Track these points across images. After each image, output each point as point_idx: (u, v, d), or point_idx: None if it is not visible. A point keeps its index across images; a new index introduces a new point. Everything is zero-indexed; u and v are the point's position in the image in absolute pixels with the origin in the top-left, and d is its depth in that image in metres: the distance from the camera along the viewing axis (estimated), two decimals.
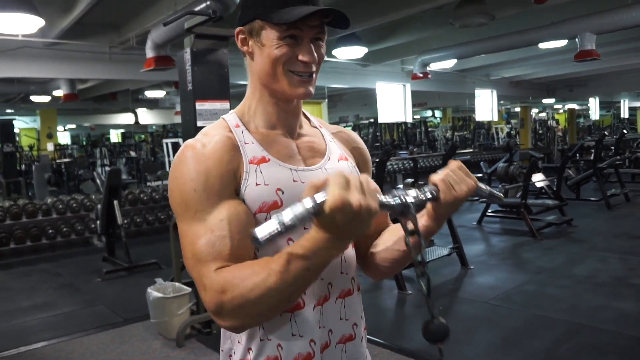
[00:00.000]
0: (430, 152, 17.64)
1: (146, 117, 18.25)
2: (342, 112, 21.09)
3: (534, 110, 23.16)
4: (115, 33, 7.28)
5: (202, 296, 0.96)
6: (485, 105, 13.28)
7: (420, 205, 0.96)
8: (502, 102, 18.68)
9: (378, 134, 20.65)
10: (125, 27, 7.06)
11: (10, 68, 7.26)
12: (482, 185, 1.05)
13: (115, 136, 23.53)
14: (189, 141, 1.05)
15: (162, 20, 5.02)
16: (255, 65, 1.09)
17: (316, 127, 1.22)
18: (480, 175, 11.33)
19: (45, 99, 11.53)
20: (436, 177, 1.00)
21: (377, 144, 19.80)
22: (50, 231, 7.23)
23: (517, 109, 21.65)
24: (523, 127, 18.74)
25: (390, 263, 1.15)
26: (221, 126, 1.10)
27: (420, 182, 7.31)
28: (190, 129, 3.90)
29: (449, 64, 9.91)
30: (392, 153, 5.80)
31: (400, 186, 1.11)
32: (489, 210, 7.93)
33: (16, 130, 17.93)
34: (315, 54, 1.05)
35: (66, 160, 13.73)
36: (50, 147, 14.00)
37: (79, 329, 4.23)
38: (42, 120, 14.76)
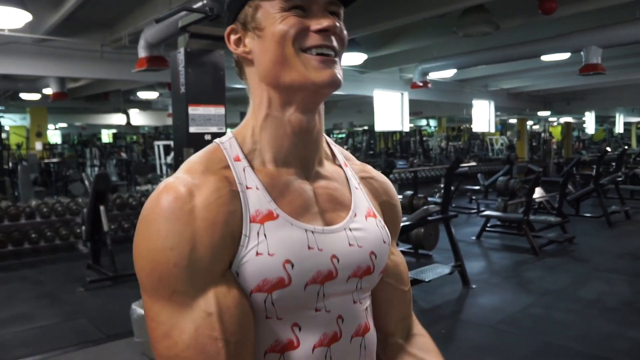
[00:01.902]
0: (425, 161, 17.49)
1: (138, 118, 17.98)
2: (337, 119, 20.90)
3: (529, 123, 23.09)
4: (107, 31, 7.02)
5: None
6: (482, 116, 13.13)
7: None
8: (498, 113, 18.56)
9: (372, 142, 20.48)
10: (117, 25, 6.80)
11: None
12: None
13: (107, 136, 23.22)
14: (169, 181, 0.76)
15: (156, 18, 4.76)
16: (257, 66, 0.81)
17: (340, 166, 0.92)
18: (477, 187, 11.17)
19: (35, 96, 11.23)
20: None
21: (371, 152, 19.65)
22: (33, 235, 6.93)
23: (512, 120, 21.58)
24: (520, 139, 18.61)
25: None
26: (215, 158, 0.80)
27: (420, 195, 7.10)
28: (182, 135, 3.66)
29: (449, 73, 9.74)
30: (394, 165, 5.58)
31: None
32: (488, 225, 7.72)
33: (6, 128, 17.64)
34: (336, 23, 0.79)
35: (55, 160, 13.41)
36: (38, 146, 13.68)
37: (57, 346, 3.95)
38: (32, 118, 14.46)
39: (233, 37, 0.83)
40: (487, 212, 7.71)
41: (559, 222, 7.20)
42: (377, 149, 20.39)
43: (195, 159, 0.81)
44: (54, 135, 21.17)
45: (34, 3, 5.42)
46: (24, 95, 11.40)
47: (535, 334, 4.02)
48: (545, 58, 8.24)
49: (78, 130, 22.68)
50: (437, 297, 4.96)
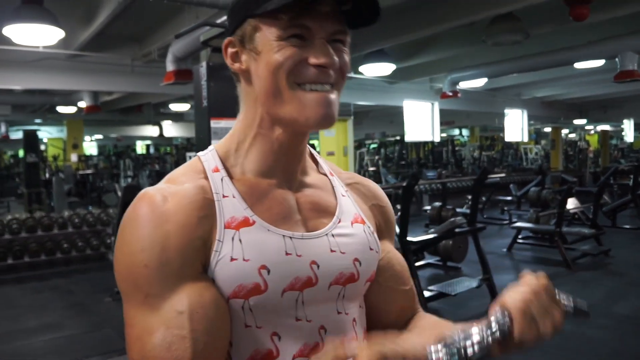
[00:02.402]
0: (458, 171, 17.25)
1: (171, 129, 18.27)
2: (368, 129, 20.85)
3: (564, 131, 22.57)
4: (137, 46, 7.17)
5: None
6: (515, 125, 12.90)
7: (486, 351, 0.65)
8: (532, 122, 18.21)
9: (404, 152, 20.34)
10: (147, 40, 6.94)
11: (32, 79, 7.20)
12: (564, 299, 0.73)
13: (141, 148, 23.66)
14: (148, 190, 0.76)
15: (177, 33, 4.84)
16: (253, 86, 0.80)
17: (325, 175, 0.91)
18: (509, 198, 10.95)
19: (71, 109, 11.54)
20: (512, 302, 0.68)
21: (403, 162, 19.50)
22: (65, 245, 7.08)
23: (547, 129, 21.13)
24: (554, 148, 18.19)
25: None
26: (194, 169, 0.81)
27: (448, 206, 6.99)
28: (204, 149, 3.68)
29: (480, 82, 9.61)
30: (419, 177, 5.51)
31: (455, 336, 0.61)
32: (520, 237, 7.54)
33: (44, 140, 18.17)
34: (335, 57, 0.76)
35: (89, 171, 13.72)
36: (74, 157, 14.02)
37: (83, 355, 4.01)
38: (68, 130, 14.85)
39: (230, 51, 0.82)
40: (517, 224, 7.54)
41: (593, 234, 6.98)
42: (409, 159, 20.23)
43: (176, 171, 0.82)
44: (90, 146, 21.69)
45: (66, 20, 5.57)
46: (61, 109, 11.72)
47: (565, 351, 3.88)
48: (578, 65, 8.05)
49: (113, 142, 23.20)
50: (464, 311, 4.85)
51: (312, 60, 0.75)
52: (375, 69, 8.03)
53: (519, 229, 7.31)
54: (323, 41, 0.75)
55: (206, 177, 0.79)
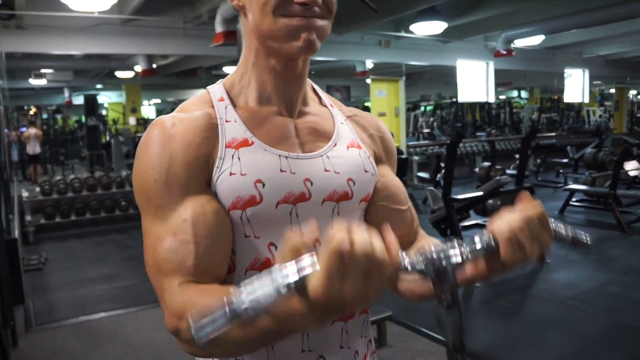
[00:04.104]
0: (514, 133, 16.76)
1: None
2: (424, 90, 20.46)
3: (632, 92, 21.41)
4: (189, 8, 7.30)
5: (163, 311, 0.78)
6: (576, 86, 12.37)
7: (461, 264, 0.67)
8: (595, 82, 17.36)
9: (460, 113, 19.88)
10: (197, 2, 7.05)
11: (89, 44, 7.48)
12: (562, 229, 0.73)
13: None
14: (161, 117, 0.85)
15: None
16: (249, 21, 0.85)
17: (326, 106, 0.96)
18: (566, 160, 10.60)
19: (129, 74, 11.92)
20: (500, 227, 0.70)
21: (459, 124, 19.08)
22: (123, 203, 7.43)
23: (612, 90, 20.13)
24: (618, 109, 17.33)
25: (418, 297, 0.89)
26: (203, 100, 0.88)
27: (497, 167, 6.86)
28: None
29: (537, 40, 9.23)
30: (463, 135, 5.43)
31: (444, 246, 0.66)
32: (573, 199, 7.33)
33: (105, 105, 18.84)
34: None
35: None
36: (132, 121, 14.52)
37: (137, 303, 4.26)
38: (127, 95, 15.35)
39: None
40: (570, 186, 7.32)
41: None
42: (464, 121, 19.75)
43: (187, 101, 0.90)
44: (149, 110, 22.34)
45: None
46: (119, 74, 12.13)
47: (610, 312, 3.82)
48: None
49: (171, 106, 23.81)
50: None
51: None
52: (427, 28, 7.86)
53: (572, 191, 7.10)
54: None
55: (212, 107, 0.86)
